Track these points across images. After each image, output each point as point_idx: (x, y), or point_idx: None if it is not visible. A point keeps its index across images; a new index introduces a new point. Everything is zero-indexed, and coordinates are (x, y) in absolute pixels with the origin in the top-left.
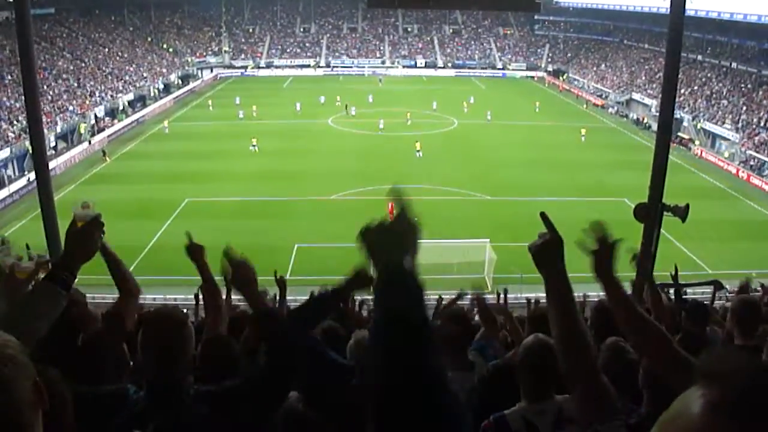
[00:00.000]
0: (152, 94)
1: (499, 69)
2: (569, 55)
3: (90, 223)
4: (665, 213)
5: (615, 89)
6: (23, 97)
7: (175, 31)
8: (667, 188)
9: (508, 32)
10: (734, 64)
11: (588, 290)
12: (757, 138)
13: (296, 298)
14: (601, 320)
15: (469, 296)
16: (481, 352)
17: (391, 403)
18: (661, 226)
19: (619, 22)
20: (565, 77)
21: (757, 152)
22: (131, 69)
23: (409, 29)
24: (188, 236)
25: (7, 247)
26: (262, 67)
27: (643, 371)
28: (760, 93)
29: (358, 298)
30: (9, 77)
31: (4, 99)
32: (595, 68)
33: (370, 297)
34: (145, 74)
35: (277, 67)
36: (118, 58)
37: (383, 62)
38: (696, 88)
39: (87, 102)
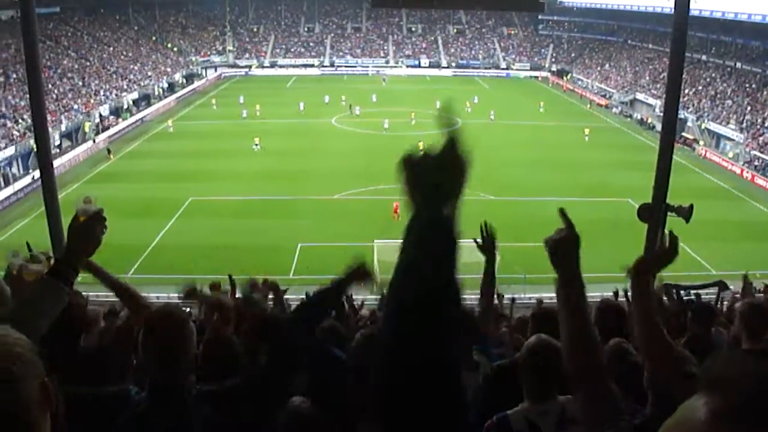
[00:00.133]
0: (156, 93)
1: (502, 69)
2: (573, 55)
3: (91, 218)
4: (669, 213)
5: (619, 89)
6: (28, 96)
7: (180, 31)
8: (671, 188)
9: (512, 32)
10: (739, 64)
11: (589, 290)
12: (761, 138)
13: (299, 297)
14: (604, 320)
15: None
16: (485, 352)
17: (406, 383)
18: (665, 226)
19: (623, 21)
20: (569, 77)
21: (762, 152)
22: (136, 68)
23: (413, 29)
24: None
25: (18, 255)
26: (266, 67)
27: (648, 373)
28: (765, 93)
29: (358, 299)
30: (14, 76)
31: (9, 97)
32: (599, 68)
33: (371, 295)
34: (149, 73)
35: (281, 66)
36: (122, 57)
37: (387, 62)
38: (700, 88)
39: (92, 101)
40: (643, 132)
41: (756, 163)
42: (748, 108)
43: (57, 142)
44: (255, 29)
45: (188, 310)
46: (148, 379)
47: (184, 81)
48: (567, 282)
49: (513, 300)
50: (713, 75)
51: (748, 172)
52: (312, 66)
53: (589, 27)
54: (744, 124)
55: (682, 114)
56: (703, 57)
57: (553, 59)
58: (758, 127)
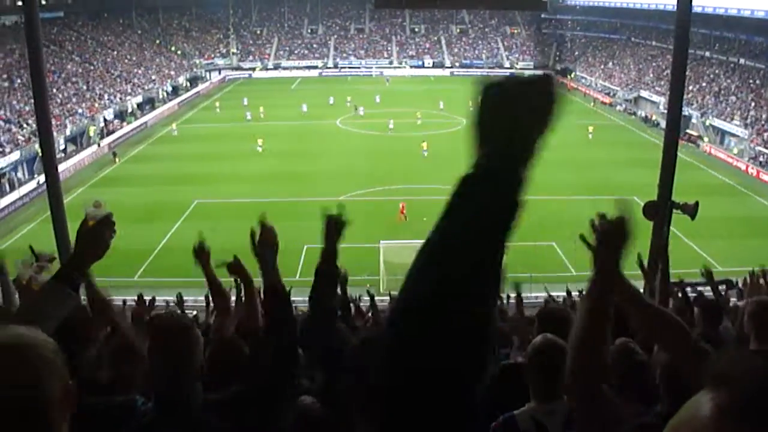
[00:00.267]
0: (161, 97)
1: (506, 68)
2: (576, 53)
3: (101, 222)
4: (674, 210)
5: (623, 87)
6: (33, 101)
7: (183, 34)
8: (676, 185)
9: (515, 31)
10: (742, 60)
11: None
12: (766, 134)
13: (304, 299)
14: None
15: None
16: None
17: (406, 387)
18: (670, 223)
19: (626, 19)
20: (572, 75)
21: (766, 148)
22: (140, 72)
23: (417, 29)
24: (201, 238)
25: (27, 264)
26: (270, 69)
27: (662, 369)
28: None
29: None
30: (18, 81)
31: (14, 102)
32: (602, 66)
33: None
34: (153, 77)
35: (284, 68)
36: (126, 60)
37: (391, 62)
38: (704, 84)
39: (96, 105)
40: (647, 129)
41: (761, 159)
42: (752, 104)
43: (62, 147)
44: (258, 31)
45: (193, 314)
46: (155, 390)
47: (188, 84)
48: (605, 277)
49: (519, 298)
50: (717, 71)
51: (753, 167)
52: (316, 68)
53: (592, 25)
54: (748, 120)
55: (686, 111)
56: (707, 53)
57: (557, 58)
58: (762, 122)
